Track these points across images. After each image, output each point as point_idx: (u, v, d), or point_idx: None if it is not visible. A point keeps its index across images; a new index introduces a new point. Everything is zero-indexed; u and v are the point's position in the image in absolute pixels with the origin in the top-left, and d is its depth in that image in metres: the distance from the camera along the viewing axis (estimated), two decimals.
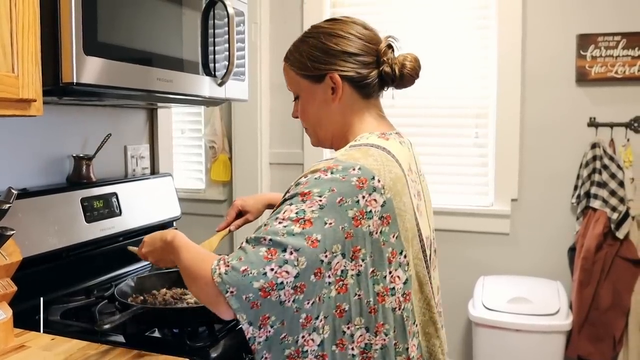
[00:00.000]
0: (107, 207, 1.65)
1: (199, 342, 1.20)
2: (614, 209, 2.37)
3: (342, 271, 0.95)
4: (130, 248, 1.31)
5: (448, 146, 2.73)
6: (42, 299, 1.35)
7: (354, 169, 0.97)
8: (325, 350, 0.96)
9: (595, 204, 2.40)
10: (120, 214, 1.69)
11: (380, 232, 0.98)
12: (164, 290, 1.44)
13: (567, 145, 2.53)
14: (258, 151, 2.93)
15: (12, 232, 1.13)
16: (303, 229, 0.92)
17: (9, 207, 1.13)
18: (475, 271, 2.63)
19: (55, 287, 1.47)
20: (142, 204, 1.80)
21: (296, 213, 0.94)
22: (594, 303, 2.39)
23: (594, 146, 2.43)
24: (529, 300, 2.32)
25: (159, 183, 1.92)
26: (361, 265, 0.97)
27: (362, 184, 0.96)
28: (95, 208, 1.60)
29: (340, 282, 0.95)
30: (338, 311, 0.96)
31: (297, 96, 1.18)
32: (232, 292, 0.90)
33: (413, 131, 2.65)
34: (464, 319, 2.62)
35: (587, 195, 2.44)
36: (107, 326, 1.12)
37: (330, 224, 0.93)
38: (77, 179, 1.64)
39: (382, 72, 1.10)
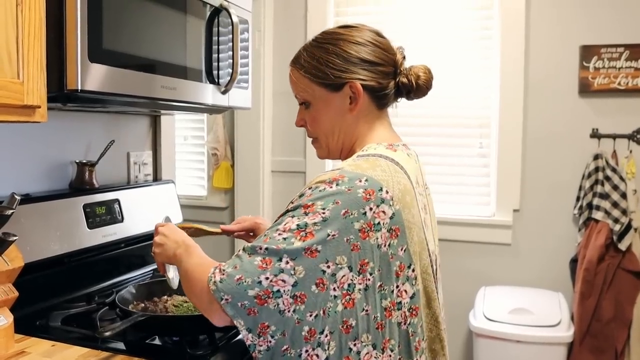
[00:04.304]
0: (110, 214, 1.65)
1: (199, 350, 1.20)
2: (616, 220, 2.37)
3: (349, 285, 0.92)
4: (167, 219, 1.31)
5: (450, 156, 2.73)
6: (43, 304, 1.35)
7: (360, 181, 0.94)
8: None
9: (598, 215, 2.40)
10: (122, 220, 1.69)
11: (389, 245, 0.95)
12: (165, 297, 1.43)
13: (570, 156, 2.53)
14: (260, 159, 2.93)
15: (14, 238, 1.13)
16: (303, 241, 0.90)
17: (12, 212, 1.13)
18: (476, 281, 2.62)
19: (57, 293, 1.47)
20: (144, 211, 1.80)
21: (297, 225, 0.91)
22: (595, 315, 2.38)
23: (596, 157, 2.43)
24: (530, 311, 2.31)
25: (162, 190, 1.93)
26: (369, 279, 0.93)
27: (370, 195, 0.93)
28: (97, 214, 1.61)
29: (347, 297, 0.92)
30: (345, 327, 0.92)
31: (305, 104, 1.11)
32: (226, 299, 0.90)
33: (414, 140, 2.64)
34: (465, 329, 2.61)
35: (589, 206, 2.44)
36: (107, 333, 1.12)
37: (334, 235, 0.91)
38: (80, 185, 1.64)
39: (399, 82, 1.09)
